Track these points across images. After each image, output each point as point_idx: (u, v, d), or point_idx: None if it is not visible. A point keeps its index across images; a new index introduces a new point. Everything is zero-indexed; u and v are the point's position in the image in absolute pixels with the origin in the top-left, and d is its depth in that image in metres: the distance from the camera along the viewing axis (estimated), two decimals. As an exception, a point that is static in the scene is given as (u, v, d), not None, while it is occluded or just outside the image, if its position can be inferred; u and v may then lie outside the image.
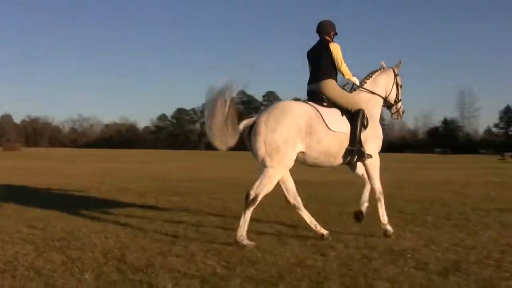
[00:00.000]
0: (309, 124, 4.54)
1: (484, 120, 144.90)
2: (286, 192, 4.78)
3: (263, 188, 4.43)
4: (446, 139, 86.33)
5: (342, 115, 4.77)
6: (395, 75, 5.34)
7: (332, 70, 4.93)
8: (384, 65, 5.33)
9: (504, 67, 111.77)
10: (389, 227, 4.85)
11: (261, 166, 4.45)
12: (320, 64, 4.93)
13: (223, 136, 4.35)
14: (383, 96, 5.22)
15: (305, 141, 4.53)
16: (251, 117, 4.61)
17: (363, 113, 4.81)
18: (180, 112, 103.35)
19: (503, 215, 6.39)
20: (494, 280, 3.38)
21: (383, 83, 5.25)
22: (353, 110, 4.80)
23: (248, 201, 4.41)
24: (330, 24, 5.11)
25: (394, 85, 5.30)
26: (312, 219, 4.79)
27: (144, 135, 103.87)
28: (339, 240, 4.67)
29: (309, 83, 5.02)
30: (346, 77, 5.02)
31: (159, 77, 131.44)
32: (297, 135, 4.48)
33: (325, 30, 5.07)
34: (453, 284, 3.29)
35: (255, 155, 4.48)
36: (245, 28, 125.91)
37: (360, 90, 5.13)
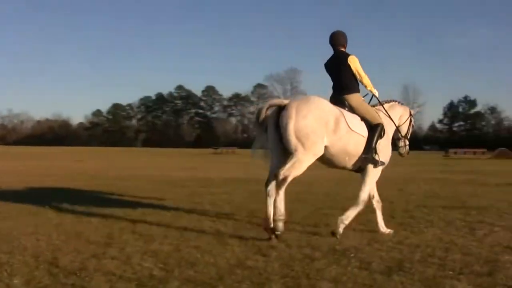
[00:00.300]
0: (335, 120, 4.86)
1: (428, 116, 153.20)
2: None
3: (292, 170, 4.66)
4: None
5: (361, 121, 5.15)
6: (411, 115, 5.96)
7: (354, 83, 5.31)
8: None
9: (447, 61, 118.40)
10: (340, 231, 4.95)
11: (292, 151, 4.65)
12: (342, 77, 5.29)
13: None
14: (396, 124, 5.68)
15: (329, 136, 4.83)
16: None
17: (382, 127, 5.24)
18: (116, 107, 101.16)
19: (447, 212, 6.74)
20: (438, 278, 3.54)
21: (399, 113, 5.78)
22: (373, 123, 5.18)
23: (277, 181, 4.64)
24: (343, 35, 5.49)
25: (408, 121, 5.87)
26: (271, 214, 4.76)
27: (78, 132, 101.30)
28: (281, 239, 4.74)
29: (334, 93, 5.35)
30: (368, 88, 5.39)
31: (94, 71, 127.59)
32: (325, 128, 4.79)
33: (339, 42, 5.43)
34: (396, 284, 3.42)
35: (285, 139, 4.67)
36: (181, 21, 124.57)
37: (378, 108, 5.54)
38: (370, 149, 5.09)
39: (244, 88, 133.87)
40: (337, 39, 5.44)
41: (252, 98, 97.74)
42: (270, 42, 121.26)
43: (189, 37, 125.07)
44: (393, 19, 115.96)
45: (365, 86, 5.36)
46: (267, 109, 4.80)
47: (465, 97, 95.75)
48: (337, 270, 3.72)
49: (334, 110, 4.93)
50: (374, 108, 5.45)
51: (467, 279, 3.53)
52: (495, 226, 5.58)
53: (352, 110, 5.19)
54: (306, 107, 4.74)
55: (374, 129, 5.15)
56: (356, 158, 5.07)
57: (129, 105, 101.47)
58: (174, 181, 11.60)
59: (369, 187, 5.25)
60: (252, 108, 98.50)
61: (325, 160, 5.00)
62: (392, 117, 5.60)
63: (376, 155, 5.14)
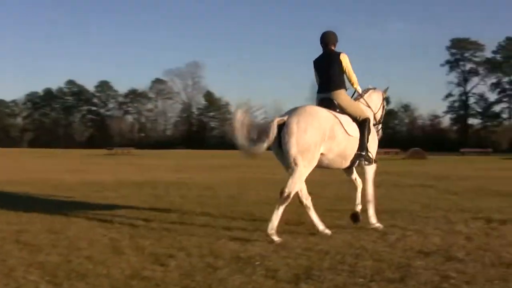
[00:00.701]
0: (332, 128, 5.49)
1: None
2: (300, 193, 5.66)
3: (294, 186, 5.34)
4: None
5: (353, 122, 5.80)
6: (383, 98, 6.61)
7: (343, 80, 5.98)
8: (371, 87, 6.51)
9: (357, 56, 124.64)
10: (378, 225, 5.94)
11: (292, 165, 5.28)
12: (332, 74, 5.94)
13: (248, 146, 5.24)
14: (374, 112, 6.36)
15: (326, 144, 5.45)
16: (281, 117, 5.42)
17: (369, 122, 5.92)
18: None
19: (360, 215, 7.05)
20: (349, 286, 3.65)
21: (376, 101, 6.45)
22: (361, 119, 5.86)
23: (282, 198, 5.25)
24: (334, 34, 6.17)
25: (381, 106, 6.55)
26: (319, 220, 5.70)
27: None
28: (180, 247, 4.76)
29: (320, 92, 6.04)
30: (354, 86, 6.08)
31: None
32: (322, 138, 5.39)
33: (331, 41, 6.09)
34: (304, 292, 3.48)
35: (286, 154, 5.29)
36: (71, 8, 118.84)
37: (359, 101, 6.20)
38: (363, 146, 5.80)
39: (142, 83, 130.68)
40: (328, 38, 6.10)
41: (150, 95, 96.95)
42: (169, 33, 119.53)
43: (81, 26, 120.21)
44: (300, 12, 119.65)
45: (352, 84, 6.05)
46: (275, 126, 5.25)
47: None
48: (241, 279, 3.73)
49: (330, 117, 5.55)
50: (356, 102, 6.13)
51: (379, 286, 3.66)
52: (407, 230, 5.86)
53: (340, 107, 5.84)
54: (305, 121, 5.32)
55: (363, 125, 5.85)
56: (351, 158, 5.77)
57: (14, 101, 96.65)
58: (62, 185, 11.30)
59: (372, 180, 6.16)
60: (150, 105, 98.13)
61: (323, 165, 5.66)
62: (371, 107, 6.31)
63: (369, 152, 5.90)
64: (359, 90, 6.18)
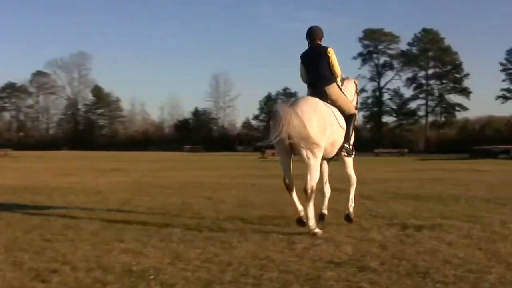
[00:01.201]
0: (331, 119, 6.63)
1: (244, 111, 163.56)
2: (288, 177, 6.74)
3: (315, 179, 6.49)
4: (198, 133, 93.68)
5: (341, 114, 6.98)
6: (356, 85, 8.00)
7: (331, 74, 7.17)
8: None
9: (266, 48, 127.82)
10: (352, 212, 7.42)
11: (304, 159, 6.39)
12: (322, 68, 7.11)
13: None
14: (351, 100, 7.52)
15: (326, 135, 6.50)
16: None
17: (356, 116, 7.21)
18: None
19: (263, 223, 7.29)
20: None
21: (350, 89, 7.72)
22: (348, 113, 7.10)
23: (308, 195, 6.38)
24: (321, 30, 7.35)
25: (356, 94, 7.90)
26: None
27: None
28: (64, 261, 4.77)
29: (311, 84, 7.18)
30: (338, 79, 7.27)
31: None
32: (325, 128, 6.47)
33: (318, 36, 7.26)
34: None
35: (297, 148, 6.36)
36: None
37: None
38: (348, 138, 7.05)
39: (20, 76, 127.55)
40: (315, 33, 7.26)
41: (31, 89, 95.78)
42: (52, 20, 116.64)
43: None
44: (200, 5, 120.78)
45: (336, 77, 7.21)
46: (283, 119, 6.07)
47: (285, 89, 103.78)
48: (133, 296, 3.76)
49: (328, 109, 6.67)
50: (343, 95, 7.31)
51: (286, 299, 3.84)
52: (316, 238, 6.18)
53: (331, 100, 6.99)
54: (311, 113, 6.33)
55: (350, 119, 7.09)
56: (338, 148, 6.98)
57: None
58: None
59: (352, 168, 7.62)
60: (30, 101, 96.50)
61: None
62: (347, 96, 7.41)
63: (350, 144, 7.20)
64: (339, 83, 7.31)
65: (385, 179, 16.24)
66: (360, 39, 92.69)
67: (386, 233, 6.50)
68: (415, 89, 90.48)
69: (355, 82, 8.00)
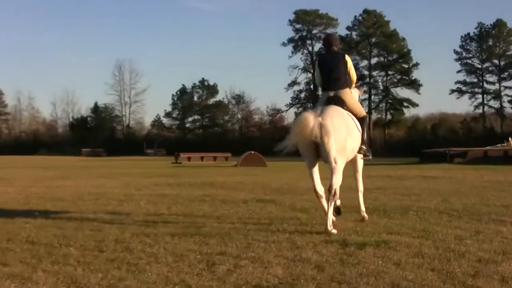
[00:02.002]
0: (351, 125, 8.48)
1: (153, 107, 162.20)
2: (316, 182, 8.45)
3: (338, 181, 8.21)
4: (98, 134, 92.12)
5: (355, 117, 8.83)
6: (359, 95, 10.10)
7: (347, 79, 9.03)
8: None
9: (179, 31, 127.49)
10: (365, 215, 9.38)
11: (332, 164, 8.05)
12: (339, 73, 8.89)
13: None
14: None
15: (349, 140, 8.36)
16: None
17: (368, 118, 9.07)
18: None
19: (177, 242, 7.24)
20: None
21: (356, 97, 9.56)
22: (361, 116, 9.00)
23: (331, 195, 8.05)
24: (337, 38, 9.70)
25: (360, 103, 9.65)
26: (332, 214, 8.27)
27: None
28: None
29: (327, 89, 8.93)
30: (353, 85, 9.30)
31: None
32: (349, 135, 8.33)
33: (335, 43, 9.24)
34: None
35: (327, 154, 8.00)
36: None
37: None
38: (364, 140, 8.91)
39: None
40: (333, 40, 9.28)
41: None
42: None
43: None
44: None
45: (351, 83, 9.15)
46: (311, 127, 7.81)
47: (202, 81, 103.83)
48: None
49: (348, 115, 8.58)
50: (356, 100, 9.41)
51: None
52: (241, 258, 6.19)
53: (347, 105, 8.78)
54: (338, 120, 8.14)
55: (363, 121, 8.99)
56: (356, 151, 8.86)
57: None
58: None
59: (361, 173, 9.55)
60: None
61: None
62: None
63: (367, 146, 9.15)
64: (353, 88, 9.38)
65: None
66: (291, 22, 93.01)
67: (324, 252, 6.57)
68: (356, 81, 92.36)
69: (359, 93, 10.07)
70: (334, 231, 7.84)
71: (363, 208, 9.35)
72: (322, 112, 8.12)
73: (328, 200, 8.12)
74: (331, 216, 8.09)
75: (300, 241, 7.25)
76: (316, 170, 8.43)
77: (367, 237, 7.58)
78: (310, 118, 7.82)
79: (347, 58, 9.02)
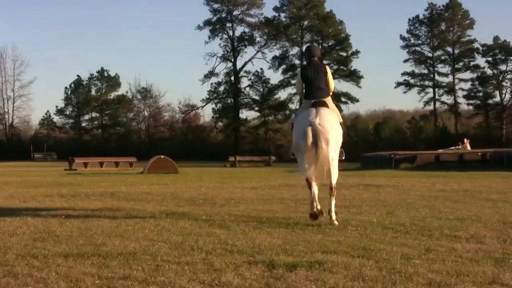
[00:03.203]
0: (339, 126, 11.07)
1: (42, 103, 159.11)
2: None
3: (337, 176, 11.01)
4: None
5: None
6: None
7: (328, 89, 11.50)
8: None
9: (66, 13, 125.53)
10: (335, 218, 11.05)
11: (330, 161, 10.67)
12: (322, 83, 11.36)
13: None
14: None
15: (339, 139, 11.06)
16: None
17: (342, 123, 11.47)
18: None
19: (71, 264, 7.14)
20: None
21: (332, 105, 11.81)
22: (340, 121, 11.33)
23: (333, 190, 10.84)
24: (319, 49, 12.65)
25: None
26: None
27: None
28: None
29: (312, 98, 11.24)
30: (330, 92, 11.63)
31: None
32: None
33: (317, 54, 11.90)
34: None
35: (324, 152, 10.49)
36: None
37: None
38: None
39: None
40: (315, 51, 12.10)
41: None
42: None
43: None
44: None
45: (330, 91, 11.61)
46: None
47: (101, 71, 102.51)
48: None
49: (335, 117, 11.21)
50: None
51: None
52: (148, 283, 6.18)
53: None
54: (333, 120, 10.85)
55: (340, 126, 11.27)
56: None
57: None
58: None
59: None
60: None
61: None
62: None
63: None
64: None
65: (244, 199, 16.51)
66: (208, 1, 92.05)
67: (247, 275, 6.59)
68: (285, 71, 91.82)
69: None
70: (336, 222, 10.64)
71: (333, 212, 10.98)
72: (317, 113, 10.74)
73: (331, 196, 10.84)
74: (334, 207, 10.94)
75: (218, 262, 7.24)
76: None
77: (298, 257, 7.60)
78: (310, 123, 10.54)
79: (328, 68, 11.78)
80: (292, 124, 13.46)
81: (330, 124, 10.66)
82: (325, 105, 11.17)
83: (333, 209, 10.88)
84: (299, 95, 12.37)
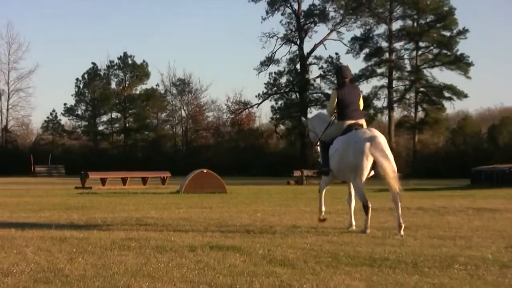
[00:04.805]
0: None
1: (48, 99, 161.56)
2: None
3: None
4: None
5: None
6: None
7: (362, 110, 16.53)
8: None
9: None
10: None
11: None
12: (359, 104, 16.08)
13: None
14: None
15: None
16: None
17: None
18: None
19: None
20: None
21: None
22: None
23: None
24: (350, 70, 16.66)
25: None
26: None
27: None
28: None
29: (351, 118, 15.85)
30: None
31: None
32: None
33: (350, 75, 16.49)
34: None
35: (393, 168, 14.80)
36: None
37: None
38: None
39: None
40: (349, 72, 16.35)
41: None
42: None
43: None
44: None
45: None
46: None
47: (124, 58, 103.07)
48: None
49: None
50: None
51: None
52: None
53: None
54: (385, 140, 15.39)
55: None
56: None
57: None
58: None
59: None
60: None
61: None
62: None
63: None
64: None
65: (313, 227, 16.52)
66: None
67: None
68: (368, 57, 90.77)
69: None
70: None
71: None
72: (371, 132, 15.13)
73: (399, 206, 14.81)
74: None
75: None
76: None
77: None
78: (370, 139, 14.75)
79: (360, 90, 16.39)
80: (307, 132, 18.34)
81: (386, 144, 14.94)
82: (361, 126, 15.70)
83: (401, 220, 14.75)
84: (329, 115, 16.83)
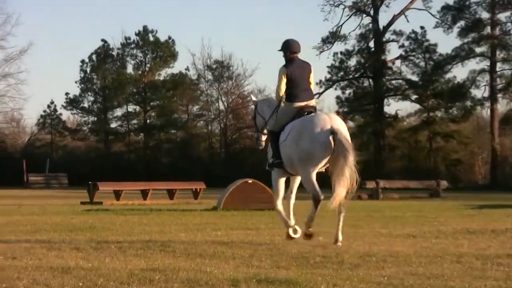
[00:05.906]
0: None
1: (44, 87, 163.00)
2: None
3: None
4: None
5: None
6: None
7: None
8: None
9: None
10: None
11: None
12: (309, 83, 18.66)
13: None
14: None
15: None
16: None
17: None
18: None
19: None
20: None
21: None
22: None
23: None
24: (299, 44, 18.69)
25: None
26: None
27: None
28: None
29: (300, 100, 18.46)
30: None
31: None
32: None
33: (298, 50, 18.50)
34: None
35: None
36: None
37: None
38: None
39: None
40: (297, 47, 18.40)
41: None
42: None
43: None
44: None
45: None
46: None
47: (143, 33, 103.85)
48: None
49: None
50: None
51: None
52: None
53: None
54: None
55: None
56: None
57: None
58: None
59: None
60: None
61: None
62: None
63: None
64: None
65: (392, 255, 16.54)
66: None
67: None
68: (464, 32, 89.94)
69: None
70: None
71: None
72: (331, 119, 16.92)
73: (342, 213, 17.54)
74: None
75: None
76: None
77: None
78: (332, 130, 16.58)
79: (311, 67, 18.17)
80: (254, 113, 20.43)
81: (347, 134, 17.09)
82: (314, 110, 17.89)
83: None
84: (277, 98, 18.92)
